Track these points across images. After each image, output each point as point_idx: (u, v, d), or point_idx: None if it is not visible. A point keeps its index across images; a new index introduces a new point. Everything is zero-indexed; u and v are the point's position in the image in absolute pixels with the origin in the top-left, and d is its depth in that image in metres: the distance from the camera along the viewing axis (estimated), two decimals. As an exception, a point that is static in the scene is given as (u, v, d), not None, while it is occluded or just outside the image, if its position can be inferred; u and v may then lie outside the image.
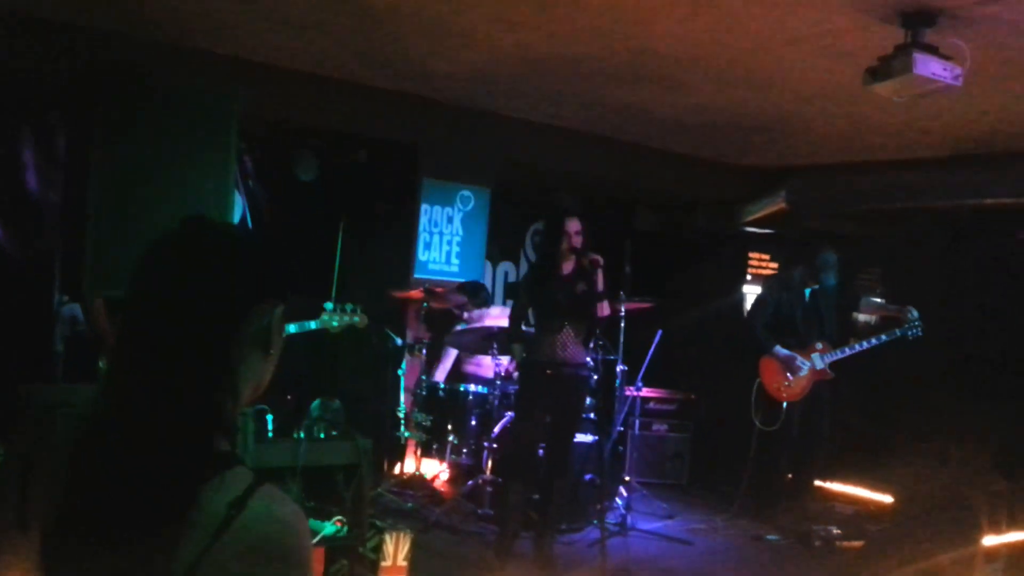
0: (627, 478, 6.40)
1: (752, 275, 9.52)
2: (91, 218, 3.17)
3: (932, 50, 3.89)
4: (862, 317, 7.84)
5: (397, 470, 6.51)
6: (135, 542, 1.17)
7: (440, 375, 6.66)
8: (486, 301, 6.77)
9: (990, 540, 5.28)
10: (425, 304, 6.55)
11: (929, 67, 3.82)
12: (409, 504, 6.01)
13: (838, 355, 6.54)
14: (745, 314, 8.62)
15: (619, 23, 4.85)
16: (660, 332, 6.51)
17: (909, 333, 6.40)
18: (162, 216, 3.32)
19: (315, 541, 3.99)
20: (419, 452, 6.35)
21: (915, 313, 6.46)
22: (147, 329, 1.27)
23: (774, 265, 9.61)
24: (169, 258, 1.30)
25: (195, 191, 3.33)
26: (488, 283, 7.97)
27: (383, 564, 4.32)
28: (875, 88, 4.03)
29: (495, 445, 6.00)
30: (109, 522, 1.18)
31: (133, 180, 3.23)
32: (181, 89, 3.37)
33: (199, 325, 1.27)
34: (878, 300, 6.74)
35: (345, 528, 4.17)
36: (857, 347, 6.53)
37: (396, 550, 4.34)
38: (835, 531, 6.39)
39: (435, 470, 6.39)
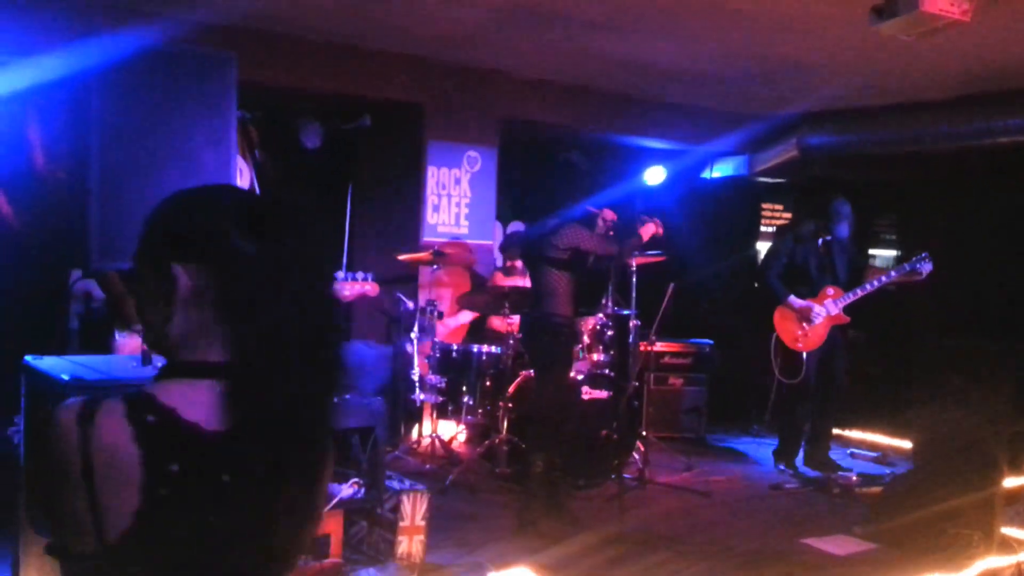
0: (644, 432, 6.40)
1: (765, 225, 9.47)
2: (92, 192, 3.14)
3: (939, -15, 3.80)
4: (880, 264, 7.78)
5: (414, 433, 6.53)
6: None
7: (444, 334, 6.64)
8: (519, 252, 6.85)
9: (1010, 482, 5.27)
10: (435, 266, 6.52)
11: (937, 3, 3.73)
12: (427, 466, 6.04)
13: (850, 297, 6.48)
14: (759, 265, 8.58)
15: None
16: (672, 285, 6.46)
17: (918, 266, 6.29)
18: (163, 186, 3.28)
19: (332, 504, 4.01)
20: (435, 414, 6.37)
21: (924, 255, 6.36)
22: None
23: (787, 215, 9.56)
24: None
25: (196, 160, 3.29)
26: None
27: (401, 524, 4.34)
28: (882, 27, 3.94)
29: (511, 404, 6.01)
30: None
31: (133, 151, 3.19)
32: (176, 54, 3.31)
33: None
34: (890, 271, 6.61)
35: (362, 490, 4.18)
36: (868, 287, 6.45)
37: (414, 510, 4.36)
38: (854, 478, 6.39)
39: (451, 431, 6.41)
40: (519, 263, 6.75)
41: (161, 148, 3.25)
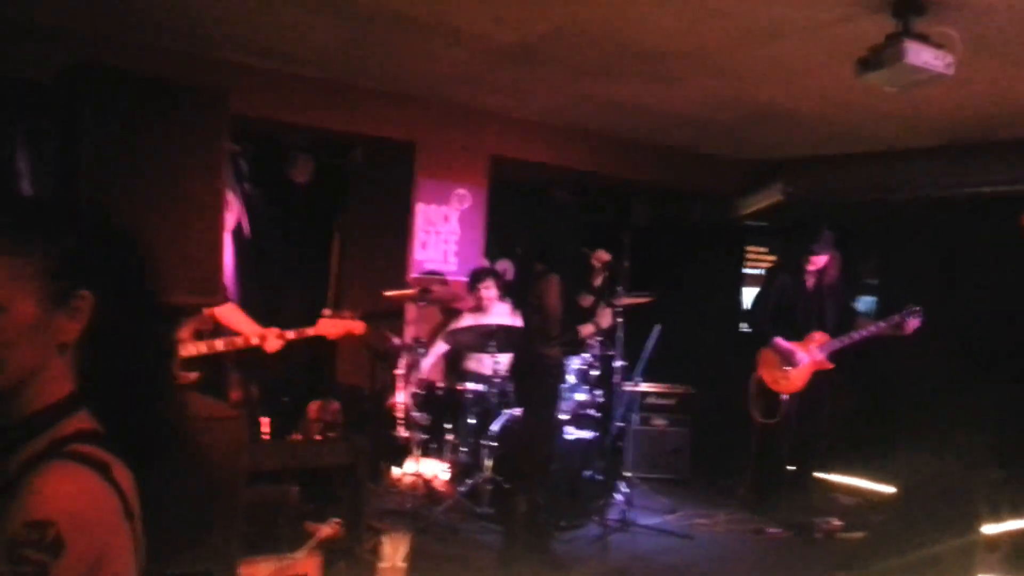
0: (627, 473, 6.39)
1: (750, 268, 9.52)
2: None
3: (923, 39, 3.87)
4: (862, 308, 7.81)
5: (396, 470, 6.49)
6: None
7: (425, 369, 6.63)
8: (498, 280, 6.84)
9: (990, 529, 5.28)
10: (422, 303, 6.52)
11: (921, 56, 3.80)
12: (408, 504, 6.00)
13: (836, 344, 6.50)
14: (744, 307, 8.62)
15: (607, 17, 4.84)
16: (658, 327, 6.49)
17: (908, 319, 6.31)
18: (153, 219, 3.30)
19: (311, 544, 3.98)
20: (418, 451, 6.33)
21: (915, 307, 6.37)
22: None
23: (771, 258, 9.61)
24: None
25: (185, 193, 3.30)
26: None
27: (381, 565, 4.30)
28: (867, 78, 4.01)
29: (494, 443, 5.99)
30: None
31: (122, 183, 3.20)
32: (169, 89, 3.33)
33: None
34: (879, 322, 6.60)
35: (343, 530, 4.16)
36: (855, 335, 6.47)
37: (394, 551, 4.33)
38: (836, 523, 6.39)
39: (434, 469, 6.38)
40: (489, 293, 6.76)
41: (151, 181, 3.26)
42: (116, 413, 1.30)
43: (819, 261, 6.57)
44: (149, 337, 1.33)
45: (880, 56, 3.89)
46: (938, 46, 3.88)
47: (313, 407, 6.59)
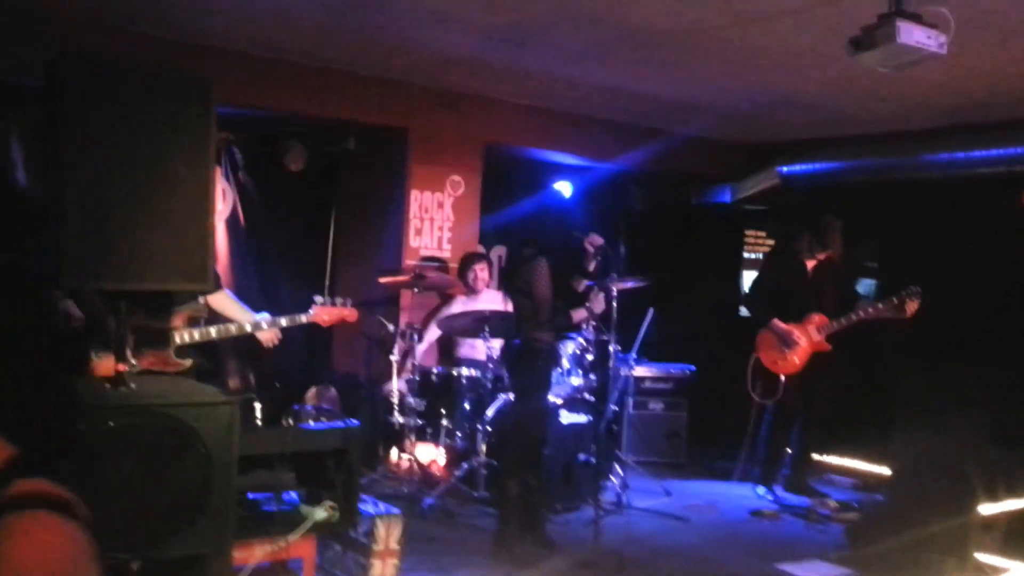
0: (623, 457, 6.41)
1: (749, 252, 9.51)
2: (69, 210, 3.15)
3: (915, 18, 3.85)
4: (862, 290, 7.81)
5: (392, 455, 6.52)
6: None
7: (419, 355, 6.64)
8: (489, 265, 6.85)
9: (987, 509, 5.29)
10: (416, 287, 6.53)
11: (913, 35, 3.78)
12: (404, 489, 6.03)
13: (835, 326, 6.50)
14: (743, 291, 8.63)
15: (603, 2, 4.82)
16: (651, 311, 6.49)
17: (907, 300, 6.28)
18: (141, 206, 3.30)
19: (306, 527, 4.00)
20: (414, 437, 6.36)
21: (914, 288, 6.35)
22: None
23: (770, 242, 9.61)
24: None
25: (173, 181, 3.30)
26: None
27: (375, 548, 4.33)
28: (860, 59, 3.99)
29: (489, 428, 6.01)
30: None
31: (110, 171, 3.20)
32: (153, 75, 3.33)
33: None
34: (878, 304, 6.57)
35: (337, 513, 4.17)
36: (854, 316, 6.47)
37: (388, 534, 4.35)
38: (833, 504, 6.41)
39: (430, 455, 6.40)
40: (483, 275, 6.76)
41: (139, 168, 3.26)
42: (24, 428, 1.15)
43: (833, 251, 6.60)
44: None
45: (872, 36, 3.87)
46: (931, 25, 3.86)
47: (311, 393, 6.62)
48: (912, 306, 6.25)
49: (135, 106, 3.25)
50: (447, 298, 7.05)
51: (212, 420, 3.39)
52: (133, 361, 3.47)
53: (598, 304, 5.81)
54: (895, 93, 6.36)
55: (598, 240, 5.53)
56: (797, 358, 6.50)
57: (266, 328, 4.94)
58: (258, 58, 6.26)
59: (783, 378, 6.53)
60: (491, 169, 7.58)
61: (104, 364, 4.53)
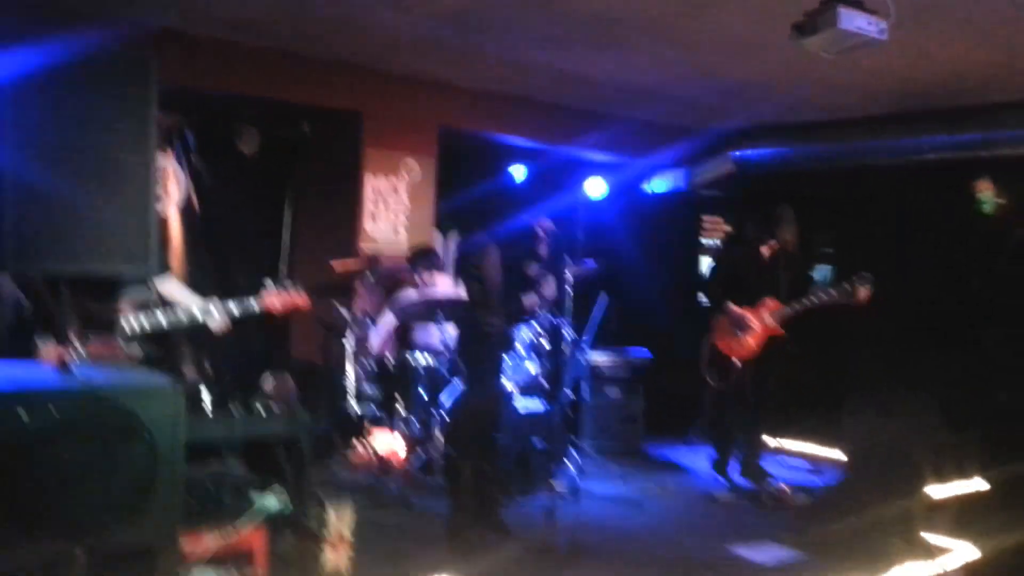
0: (578, 443, 6.42)
1: (706, 238, 9.58)
2: (5, 193, 3.08)
3: (856, 4, 3.89)
4: (818, 276, 7.90)
5: (350, 444, 6.48)
6: None
7: (376, 343, 6.59)
8: (436, 265, 6.73)
9: (935, 491, 5.38)
10: (370, 273, 6.47)
11: (854, 21, 3.83)
12: (362, 478, 5.99)
13: (787, 312, 6.55)
14: (700, 277, 8.69)
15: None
16: (604, 296, 6.49)
17: (859, 286, 6.33)
18: (81, 188, 3.24)
19: (256, 515, 3.96)
20: (370, 425, 6.32)
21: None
22: None
23: (726, 227, 9.69)
24: None
25: (114, 161, 3.24)
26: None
27: (328, 537, 4.30)
28: (803, 44, 4.03)
29: (444, 415, 5.99)
30: None
31: (48, 153, 3.14)
32: (93, 56, 3.26)
33: None
34: (830, 289, 6.61)
35: (288, 502, 4.14)
36: (807, 302, 6.52)
37: (339, 521, 4.32)
38: (786, 488, 6.48)
39: (388, 443, 6.37)
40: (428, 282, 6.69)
41: (79, 150, 3.20)
42: None
43: (783, 239, 6.64)
44: None
45: (815, 21, 3.91)
46: (871, 12, 3.91)
47: (267, 382, 6.54)
48: (863, 292, 6.31)
49: (75, 87, 3.18)
50: (401, 284, 7.00)
51: (157, 407, 3.33)
52: (78, 346, 3.41)
53: (549, 289, 5.81)
54: (847, 80, 6.42)
55: (548, 225, 5.53)
56: (751, 342, 6.55)
57: (216, 315, 4.86)
58: (210, 39, 6.17)
59: (737, 362, 6.58)
60: (448, 154, 7.54)
61: (48, 350, 4.45)
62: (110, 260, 3.29)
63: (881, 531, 5.15)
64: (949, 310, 7.68)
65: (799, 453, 7.60)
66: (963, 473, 5.63)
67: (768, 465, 6.96)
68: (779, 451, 7.60)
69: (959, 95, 6.73)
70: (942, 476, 5.55)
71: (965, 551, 5.06)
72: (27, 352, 5.23)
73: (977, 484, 5.57)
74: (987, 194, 7.52)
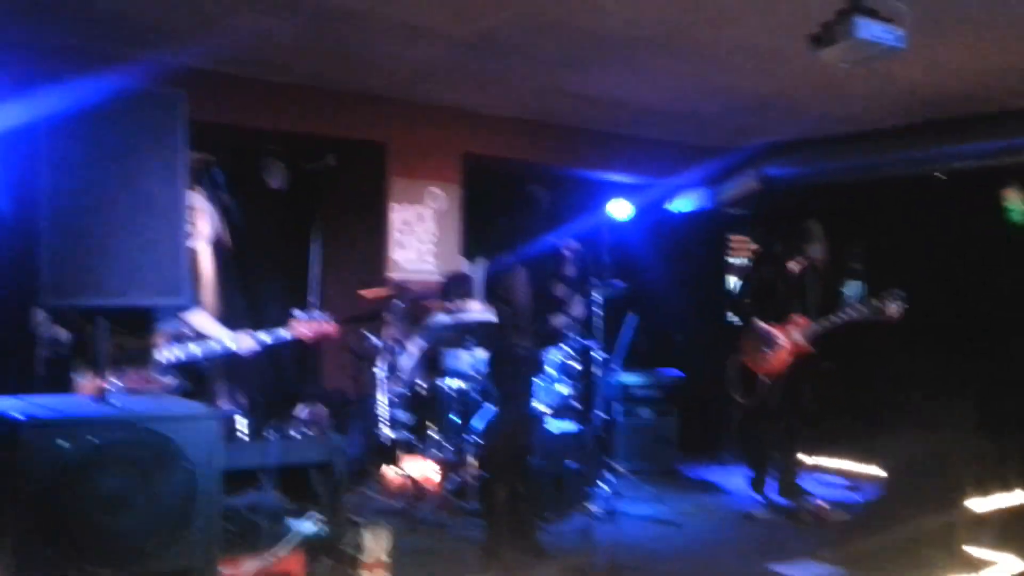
0: (613, 464, 6.40)
1: (733, 256, 9.54)
2: (42, 229, 3.16)
3: (872, 13, 3.91)
4: (850, 293, 7.84)
5: (383, 469, 6.50)
6: None
7: (406, 370, 6.62)
8: (468, 292, 6.76)
9: (976, 503, 5.30)
10: (399, 302, 6.52)
11: (871, 30, 3.84)
12: (395, 502, 6.00)
13: (816, 329, 6.51)
14: (728, 296, 8.65)
15: (563, 2, 4.86)
16: (634, 317, 6.49)
17: (891, 304, 6.25)
18: (114, 223, 3.32)
19: (294, 541, 3.99)
20: (404, 451, 6.34)
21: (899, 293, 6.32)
22: None
23: (754, 246, 9.65)
24: None
25: (146, 196, 3.32)
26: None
27: (364, 560, 4.32)
28: (821, 55, 4.05)
29: (477, 439, 6.00)
30: None
31: (84, 189, 3.22)
32: (126, 94, 3.35)
33: None
34: (861, 306, 6.53)
35: (324, 526, 4.17)
36: (836, 319, 6.47)
37: (376, 545, 4.34)
38: (824, 504, 6.41)
39: (422, 468, 6.38)
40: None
41: (112, 186, 3.28)
42: None
43: (814, 256, 6.62)
44: None
45: (831, 32, 3.93)
46: (887, 20, 3.92)
47: (299, 411, 6.59)
48: (893, 309, 6.22)
49: (109, 125, 3.27)
50: (430, 310, 7.05)
51: (195, 434, 3.38)
52: (115, 379, 3.47)
53: (578, 309, 5.82)
54: (868, 92, 6.41)
55: (575, 245, 5.55)
56: (778, 359, 6.51)
57: (247, 342, 4.93)
58: (235, 76, 6.29)
59: (764, 378, 6.53)
60: (474, 180, 7.60)
61: (86, 383, 4.52)
62: (144, 293, 3.35)
63: (923, 546, 5.07)
64: (982, 319, 7.59)
65: (836, 470, 7.52)
66: (1005, 485, 5.54)
67: (805, 483, 6.89)
68: (816, 469, 7.52)
69: (982, 102, 6.69)
70: (983, 488, 5.47)
71: (1011, 564, 4.97)
72: (63, 386, 5.34)
73: (1021, 496, 5.47)
74: (1015, 202, 7.44)
